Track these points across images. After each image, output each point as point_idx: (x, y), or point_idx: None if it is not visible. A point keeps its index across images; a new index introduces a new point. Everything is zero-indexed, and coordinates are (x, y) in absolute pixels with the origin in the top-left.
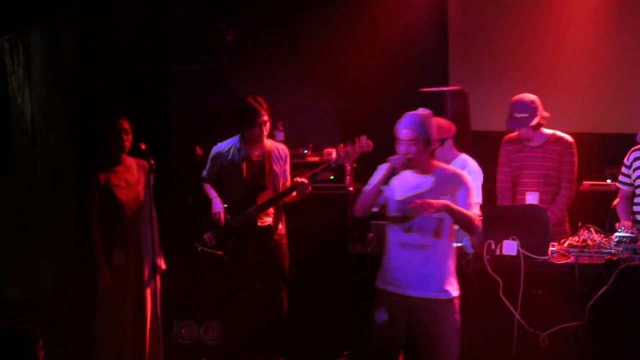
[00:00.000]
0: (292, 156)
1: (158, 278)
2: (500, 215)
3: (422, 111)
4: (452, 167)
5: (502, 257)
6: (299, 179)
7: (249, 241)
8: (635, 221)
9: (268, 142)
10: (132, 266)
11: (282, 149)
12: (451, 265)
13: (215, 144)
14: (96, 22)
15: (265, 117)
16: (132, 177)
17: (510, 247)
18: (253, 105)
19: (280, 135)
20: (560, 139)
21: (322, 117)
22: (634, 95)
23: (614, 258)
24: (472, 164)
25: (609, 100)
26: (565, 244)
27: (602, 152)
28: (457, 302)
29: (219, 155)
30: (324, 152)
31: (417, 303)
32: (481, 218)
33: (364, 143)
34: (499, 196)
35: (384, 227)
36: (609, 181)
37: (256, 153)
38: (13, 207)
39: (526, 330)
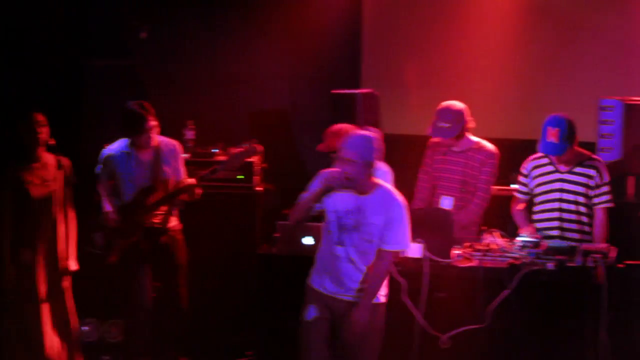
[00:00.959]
0: (201, 155)
1: (69, 278)
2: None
3: (371, 134)
4: (390, 188)
5: (407, 259)
6: (188, 181)
7: (137, 242)
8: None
9: (157, 141)
10: (42, 265)
11: (173, 145)
12: (374, 279)
13: None
14: (9, 15)
15: (153, 122)
16: (48, 174)
17: (415, 249)
18: (139, 112)
19: (190, 133)
20: (483, 147)
21: (234, 116)
22: (539, 101)
23: (517, 262)
24: (381, 164)
25: (515, 106)
26: (469, 248)
27: (508, 157)
28: (383, 307)
29: (109, 157)
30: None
31: (345, 306)
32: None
33: (251, 148)
34: (415, 197)
35: (290, 227)
36: (513, 186)
37: (146, 154)
38: None
39: (428, 333)
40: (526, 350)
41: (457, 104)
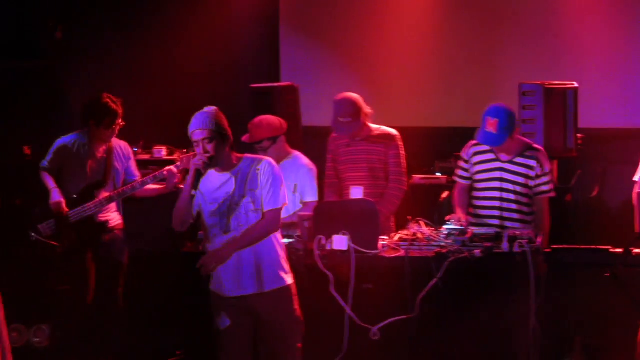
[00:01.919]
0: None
1: None
2: (331, 210)
3: (208, 108)
4: (252, 155)
5: (333, 252)
6: (170, 168)
7: (86, 235)
8: (475, 215)
9: (112, 140)
10: None
11: (125, 146)
12: (279, 253)
13: (48, 142)
14: None
15: (120, 120)
16: None
17: (340, 242)
18: (112, 108)
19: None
20: (384, 132)
21: (153, 113)
22: (460, 88)
23: (444, 250)
24: (306, 161)
25: (438, 95)
26: (396, 238)
27: (432, 146)
28: (291, 289)
29: (63, 148)
30: (154, 149)
31: (253, 300)
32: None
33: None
34: (326, 191)
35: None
36: (438, 175)
37: (101, 149)
38: None
39: (357, 325)
40: (456, 338)
41: (351, 95)
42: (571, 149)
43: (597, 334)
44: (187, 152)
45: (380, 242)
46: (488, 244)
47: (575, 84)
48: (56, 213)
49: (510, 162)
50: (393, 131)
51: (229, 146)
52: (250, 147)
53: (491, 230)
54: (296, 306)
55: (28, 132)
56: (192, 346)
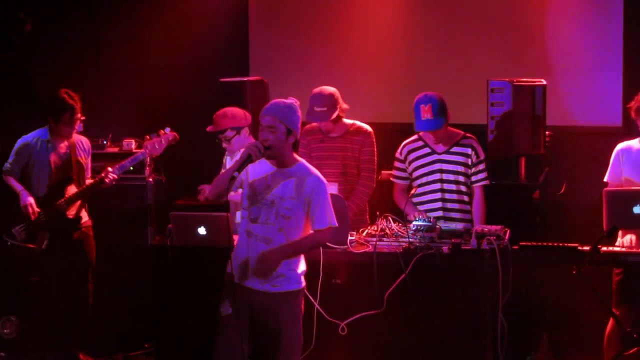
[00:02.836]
0: (91, 147)
1: None
2: None
3: (289, 100)
4: (310, 166)
5: None
6: (106, 170)
7: (59, 233)
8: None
9: (74, 135)
10: None
11: (85, 141)
12: (295, 259)
13: (15, 137)
14: None
15: (79, 115)
16: None
17: None
18: (69, 103)
19: (79, 126)
20: (359, 128)
21: (122, 107)
22: (431, 86)
23: (412, 246)
24: None
25: (407, 91)
26: (364, 233)
27: (398, 142)
28: (297, 295)
29: (26, 146)
30: (124, 142)
31: (258, 296)
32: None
33: (170, 135)
34: None
35: (183, 218)
36: None
37: (63, 145)
38: None
39: (326, 320)
40: (424, 334)
41: (329, 88)
42: (539, 147)
43: (564, 330)
44: (150, 138)
45: (349, 238)
46: (456, 240)
47: (544, 82)
48: (27, 215)
49: (447, 152)
50: (368, 128)
51: (291, 145)
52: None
53: (459, 226)
54: (299, 311)
55: None
56: (161, 339)
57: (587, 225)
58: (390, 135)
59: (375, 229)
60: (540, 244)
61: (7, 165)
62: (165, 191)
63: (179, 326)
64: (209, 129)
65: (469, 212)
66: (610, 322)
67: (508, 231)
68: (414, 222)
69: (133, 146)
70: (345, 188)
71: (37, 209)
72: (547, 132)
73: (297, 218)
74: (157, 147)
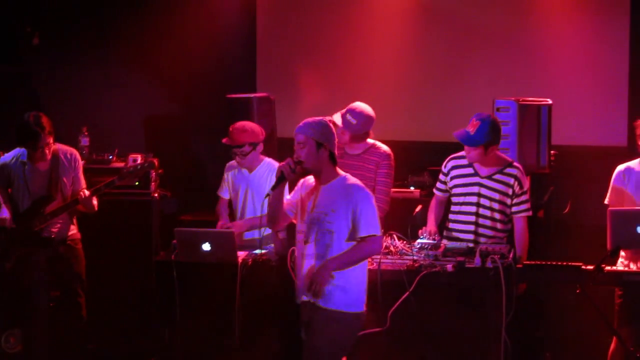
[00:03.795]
0: (97, 161)
1: None
2: None
3: (323, 117)
4: (352, 178)
5: None
6: (83, 193)
7: (34, 250)
8: (450, 229)
9: (55, 150)
10: None
11: (72, 152)
12: (349, 278)
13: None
14: None
15: (47, 140)
16: None
17: None
18: (34, 129)
19: (85, 140)
20: (378, 149)
21: (129, 122)
22: (437, 105)
23: (416, 264)
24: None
25: (413, 110)
26: None
27: (406, 159)
28: (344, 319)
29: (4, 166)
30: (129, 157)
31: (309, 309)
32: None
33: (148, 161)
34: None
35: (187, 234)
36: (412, 188)
37: (42, 164)
38: None
39: None
40: (428, 352)
41: (371, 110)
42: (544, 166)
43: (567, 350)
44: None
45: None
46: (460, 259)
47: (549, 101)
48: (2, 230)
49: (489, 178)
50: (387, 149)
51: (332, 159)
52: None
53: (463, 245)
54: (343, 333)
55: (5, 137)
56: (165, 353)
57: (591, 244)
58: (396, 153)
59: None
60: (544, 262)
61: None
62: (170, 207)
63: (181, 341)
64: (225, 140)
65: (501, 239)
66: (614, 341)
67: (512, 250)
68: (419, 240)
69: (139, 161)
70: None
71: (12, 225)
72: (552, 152)
73: (341, 231)
74: (132, 173)
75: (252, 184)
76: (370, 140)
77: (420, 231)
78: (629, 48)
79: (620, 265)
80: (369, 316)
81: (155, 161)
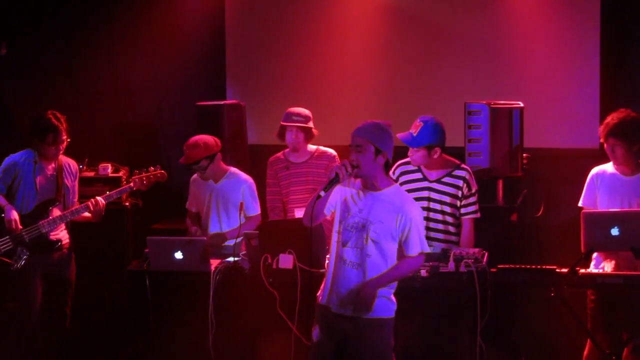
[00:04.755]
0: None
1: None
2: (276, 229)
3: (381, 121)
4: (402, 191)
5: (279, 271)
6: (93, 201)
7: (38, 254)
8: None
9: (61, 157)
10: None
11: (73, 164)
12: (390, 287)
13: None
14: None
15: (64, 137)
16: None
17: (286, 260)
18: (54, 124)
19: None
20: (323, 153)
21: (98, 131)
22: (408, 109)
23: None
24: (245, 176)
25: (384, 115)
26: None
27: None
28: (386, 324)
29: (14, 165)
30: (100, 167)
31: (347, 322)
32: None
33: (159, 173)
34: (270, 215)
35: (160, 242)
36: None
37: (50, 167)
38: None
39: (304, 344)
40: (402, 357)
41: (304, 110)
42: (517, 169)
43: (542, 353)
44: (139, 173)
45: (326, 261)
46: (434, 264)
47: (521, 104)
48: (11, 230)
49: (438, 181)
50: (332, 151)
51: (386, 167)
52: (189, 168)
53: (437, 249)
54: (387, 341)
55: None
56: None
57: (565, 247)
58: None
59: None
60: (518, 266)
61: None
62: (142, 215)
63: (156, 350)
64: (181, 161)
65: (455, 242)
66: (588, 344)
67: (486, 254)
68: None
69: (109, 170)
70: None
71: (20, 226)
72: (524, 155)
73: (386, 243)
74: (145, 182)
75: (217, 193)
76: (312, 147)
77: None
78: (599, 51)
79: (595, 267)
80: None
81: (165, 173)
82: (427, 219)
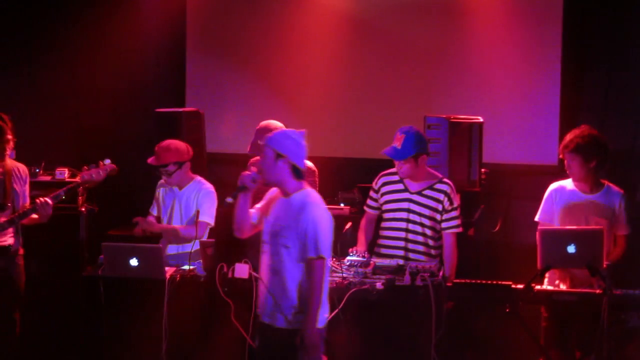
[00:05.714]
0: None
1: None
2: (234, 238)
3: (293, 130)
4: (310, 194)
5: (234, 280)
6: (40, 200)
7: None
8: (381, 245)
9: (9, 161)
10: None
11: (23, 168)
12: (306, 294)
13: None
14: None
15: (9, 136)
16: None
17: (241, 270)
18: None
19: (12, 153)
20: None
21: (55, 134)
22: (367, 121)
23: (345, 282)
24: (208, 186)
25: (344, 126)
26: None
27: (336, 176)
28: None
29: None
30: (57, 171)
31: (271, 331)
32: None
33: (109, 166)
34: None
35: (115, 248)
36: (342, 205)
37: None
38: None
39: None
40: None
41: (276, 123)
42: (475, 183)
43: None
44: (88, 168)
45: None
46: (390, 277)
47: (481, 119)
48: None
49: (419, 193)
50: (311, 164)
51: (295, 172)
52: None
53: (393, 262)
54: (312, 353)
55: None
56: None
57: (522, 263)
58: (326, 169)
59: None
60: (474, 281)
61: None
62: (98, 221)
63: (110, 357)
64: (150, 161)
65: (434, 256)
66: None
67: (442, 268)
68: (348, 257)
69: (66, 175)
70: None
71: None
72: (483, 170)
73: (295, 248)
74: (94, 177)
75: (180, 201)
76: None
77: (350, 250)
78: (560, 67)
79: (549, 284)
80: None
81: (115, 167)
82: (406, 230)
